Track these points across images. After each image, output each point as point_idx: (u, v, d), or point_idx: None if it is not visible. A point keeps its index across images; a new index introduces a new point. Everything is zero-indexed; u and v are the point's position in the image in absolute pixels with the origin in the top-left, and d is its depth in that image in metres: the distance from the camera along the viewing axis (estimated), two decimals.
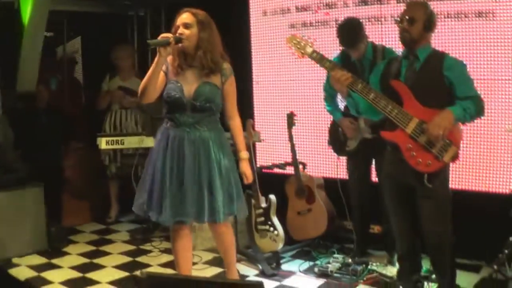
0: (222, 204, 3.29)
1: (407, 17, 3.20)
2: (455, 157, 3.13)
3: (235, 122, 3.49)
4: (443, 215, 3.24)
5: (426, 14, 3.20)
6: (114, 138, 5.16)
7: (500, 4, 4.06)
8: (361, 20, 4.27)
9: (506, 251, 3.60)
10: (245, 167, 3.47)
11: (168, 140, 3.31)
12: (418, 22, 3.18)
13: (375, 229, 4.62)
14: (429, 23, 3.20)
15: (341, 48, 4.34)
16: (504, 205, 3.75)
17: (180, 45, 3.23)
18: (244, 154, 3.47)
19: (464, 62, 3.25)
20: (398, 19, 3.25)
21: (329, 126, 4.63)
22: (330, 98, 4.46)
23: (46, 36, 5.74)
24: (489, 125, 4.15)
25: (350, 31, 4.13)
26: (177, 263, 3.52)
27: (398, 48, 3.76)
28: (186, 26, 3.25)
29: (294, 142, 4.74)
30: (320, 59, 3.36)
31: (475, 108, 3.12)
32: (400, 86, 3.21)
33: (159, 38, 3.16)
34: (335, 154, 4.58)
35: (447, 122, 3.04)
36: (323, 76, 4.44)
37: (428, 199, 3.21)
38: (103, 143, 5.13)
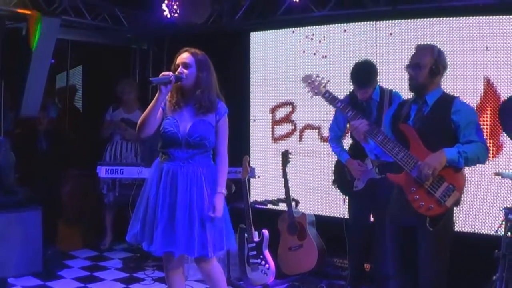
0: (212, 240, 3.33)
1: (413, 63, 3.24)
2: (457, 202, 3.16)
3: (221, 158, 3.47)
4: (441, 257, 3.24)
5: (433, 59, 3.20)
6: (114, 168, 5.25)
7: None
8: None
9: None
10: (218, 201, 3.39)
11: (162, 173, 3.36)
12: (424, 68, 3.20)
13: (365, 266, 4.72)
14: (437, 68, 3.21)
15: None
16: (489, 245, 3.79)
17: (179, 83, 3.35)
18: (220, 189, 3.42)
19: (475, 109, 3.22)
20: (408, 64, 3.28)
21: (333, 166, 4.64)
22: (336, 139, 4.53)
23: None
24: (476, 167, 4.19)
25: (364, 73, 4.18)
26: None
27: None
28: (186, 65, 3.34)
29: (288, 179, 4.90)
30: (332, 99, 3.42)
31: (474, 152, 3.12)
32: (408, 130, 3.24)
33: (160, 75, 3.26)
34: (343, 194, 4.56)
35: (437, 163, 3.07)
36: (318, 117, 4.49)
37: (428, 242, 3.21)
38: (102, 171, 5.21)
